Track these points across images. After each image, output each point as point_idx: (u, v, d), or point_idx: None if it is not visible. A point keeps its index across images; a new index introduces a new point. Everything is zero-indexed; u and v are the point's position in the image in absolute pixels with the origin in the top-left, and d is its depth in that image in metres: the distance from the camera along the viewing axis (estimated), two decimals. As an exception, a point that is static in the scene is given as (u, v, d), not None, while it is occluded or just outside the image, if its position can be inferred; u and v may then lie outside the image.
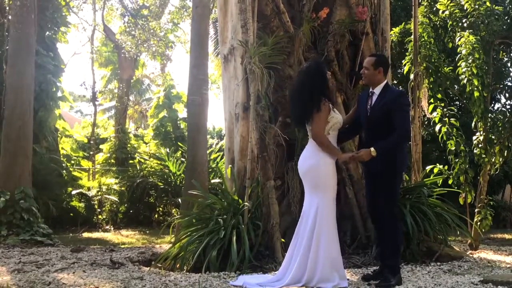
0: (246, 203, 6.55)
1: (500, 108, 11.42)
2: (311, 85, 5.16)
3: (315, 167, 5.12)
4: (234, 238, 6.18)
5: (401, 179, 5.60)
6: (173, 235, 9.27)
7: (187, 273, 5.95)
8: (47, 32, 15.07)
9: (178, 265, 6.37)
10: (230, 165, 7.57)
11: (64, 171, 15.90)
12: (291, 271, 4.99)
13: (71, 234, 12.87)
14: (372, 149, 4.94)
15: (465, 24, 8.44)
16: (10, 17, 11.71)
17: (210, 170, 14.77)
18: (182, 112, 21.21)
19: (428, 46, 8.53)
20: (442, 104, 8.44)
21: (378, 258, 5.29)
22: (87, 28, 23.39)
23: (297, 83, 5.52)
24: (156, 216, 16.79)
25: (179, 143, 18.69)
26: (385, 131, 4.99)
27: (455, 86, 8.91)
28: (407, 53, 8.85)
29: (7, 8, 12.63)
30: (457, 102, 12.46)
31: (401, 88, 10.53)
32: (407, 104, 5.38)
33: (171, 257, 6.57)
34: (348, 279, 5.18)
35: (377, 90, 5.21)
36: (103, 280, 5.32)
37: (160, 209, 17.04)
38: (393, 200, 5.08)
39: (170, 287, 4.98)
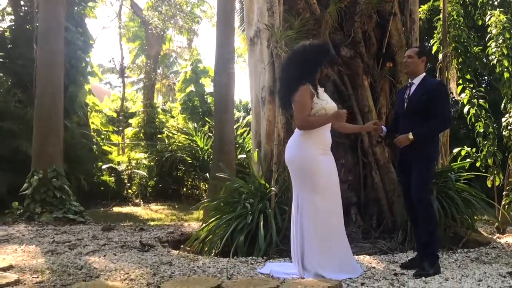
0: (273, 188, 6.61)
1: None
2: (298, 66, 4.80)
3: (298, 159, 4.83)
4: (261, 223, 6.26)
5: (434, 166, 5.58)
6: (201, 211, 9.42)
7: (215, 257, 6.06)
8: (76, 8, 15.23)
9: (206, 249, 6.50)
10: (256, 149, 7.60)
11: (95, 146, 16.24)
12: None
13: (102, 209, 13.20)
14: (410, 134, 4.96)
15: (495, 2, 8.27)
16: (39, -5, 11.80)
17: (237, 145, 14.89)
18: (209, 86, 21.32)
19: (457, 25, 8.38)
20: (471, 85, 8.33)
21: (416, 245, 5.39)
22: (114, 3, 23.38)
23: (286, 62, 5.22)
24: (184, 190, 17.10)
25: (206, 118, 18.82)
26: (423, 119, 5.00)
27: (485, 67, 8.77)
28: (436, 32, 8.70)
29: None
30: (486, 78, 12.25)
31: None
32: (446, 92, 5.43)
33: (199, 240, 6.71)
34: (374, 267, 5.24)
35: (416, 81, 5.17)
36: (133, 264, 5.48)
37: (188, 183, 17.33)
38: (425, 187, 5.07)
39: (199, 273, 5.10)
